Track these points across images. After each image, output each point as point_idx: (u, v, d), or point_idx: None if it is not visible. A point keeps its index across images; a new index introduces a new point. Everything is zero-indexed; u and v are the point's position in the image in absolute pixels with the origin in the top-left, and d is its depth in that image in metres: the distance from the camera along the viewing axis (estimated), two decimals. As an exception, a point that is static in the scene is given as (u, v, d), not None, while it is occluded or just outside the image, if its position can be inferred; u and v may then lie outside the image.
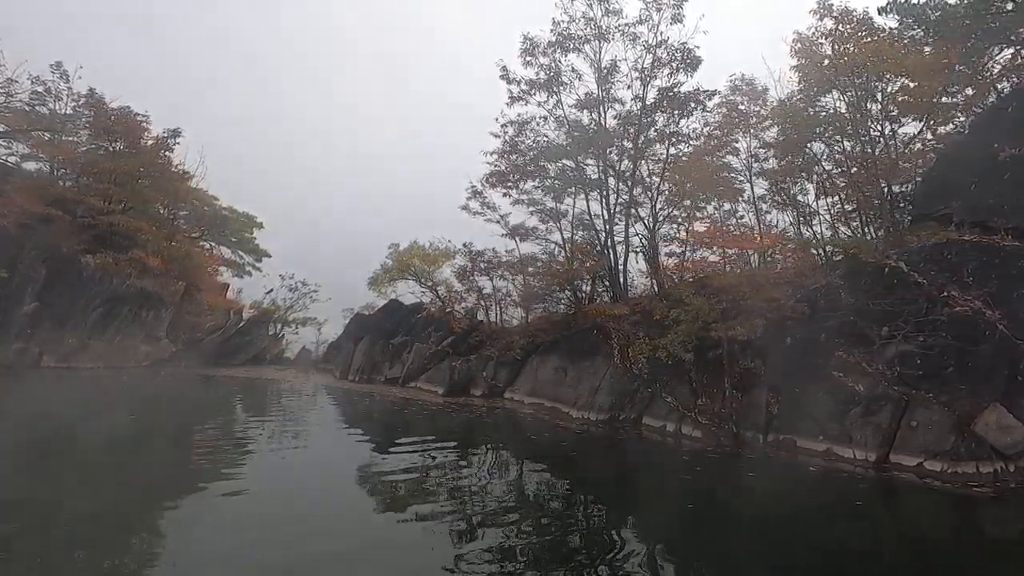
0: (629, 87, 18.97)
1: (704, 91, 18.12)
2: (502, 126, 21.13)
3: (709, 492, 9.98)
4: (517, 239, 23.22)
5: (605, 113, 19.39)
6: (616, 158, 19.31)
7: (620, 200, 19.74)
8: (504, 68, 19.88)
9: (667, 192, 19.00)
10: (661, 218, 19.10)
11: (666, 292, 17.95)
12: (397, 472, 9.78)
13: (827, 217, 18.68)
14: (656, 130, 18.75)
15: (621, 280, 19.60)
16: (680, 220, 19.70)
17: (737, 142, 20.50)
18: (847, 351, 13.66)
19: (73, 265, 25.43)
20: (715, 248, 17.92)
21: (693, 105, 17.98)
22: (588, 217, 20.79)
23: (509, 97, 20.05)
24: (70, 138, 31.82)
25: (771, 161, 20.08)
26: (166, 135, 29.13)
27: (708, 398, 14.84)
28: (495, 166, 21.43)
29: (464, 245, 23.78)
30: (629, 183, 18.98)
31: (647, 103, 18.34)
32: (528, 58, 19.75)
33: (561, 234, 22.31)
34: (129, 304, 26.08)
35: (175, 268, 28.67)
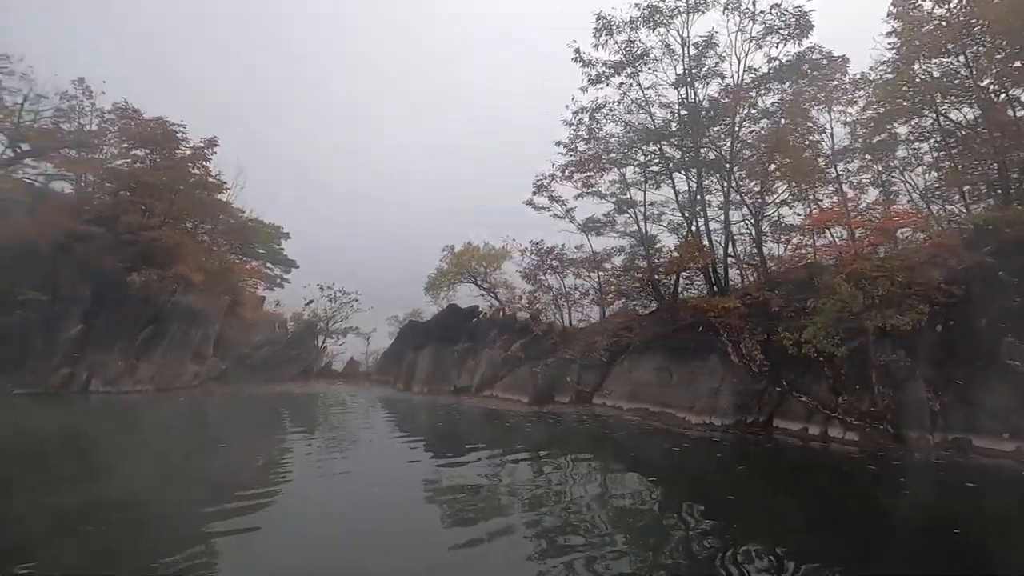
0: (724, 60, 17.59)
1: (830, 55, 16.54)
2: (574, 113, 19.79)
3: (911, 509, 8.42)
4: (589, 234, 21.87)
5: (698, 90, 18.01)
6: (721, 137, 17.91)
7: (717, 184, 18.34)
8: (577, 50, 18.52)
9: (772, 172, 17.56)
10: (767, 200, 17.67)
11: (774, 281, 16.56)
12: (523, 486, 8.76)
13: (942, 191, 17.21)
14: (762, 105, 17.35)
15: (723, 271, 18.17)
16: (789, 202, 18.27)
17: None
18: (1018, 336, 12.24)
19: (118, 284, 24.19)
20: (825, 230, 16.48)
21: (815, 73, 16.52)
22: (678, 204, 19.38)
23: (588, 80, 18.71)
24: (96, 155, 30.71)
25: (859, 138, 18.70)
26: (203, 144, 27.89)
27: (852, 396, 13.44)
28: (570, 155, 20.06)
29: (531, 243, 22.40)
30: (729, 164, 17.56)
31: (758, 74, 16.92)
32: (603, 38, 18.38)
33: (642, 225, 20.93)
34: (177, 322, 24.83)
35: (217, 283, 27.46)
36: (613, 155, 19.61)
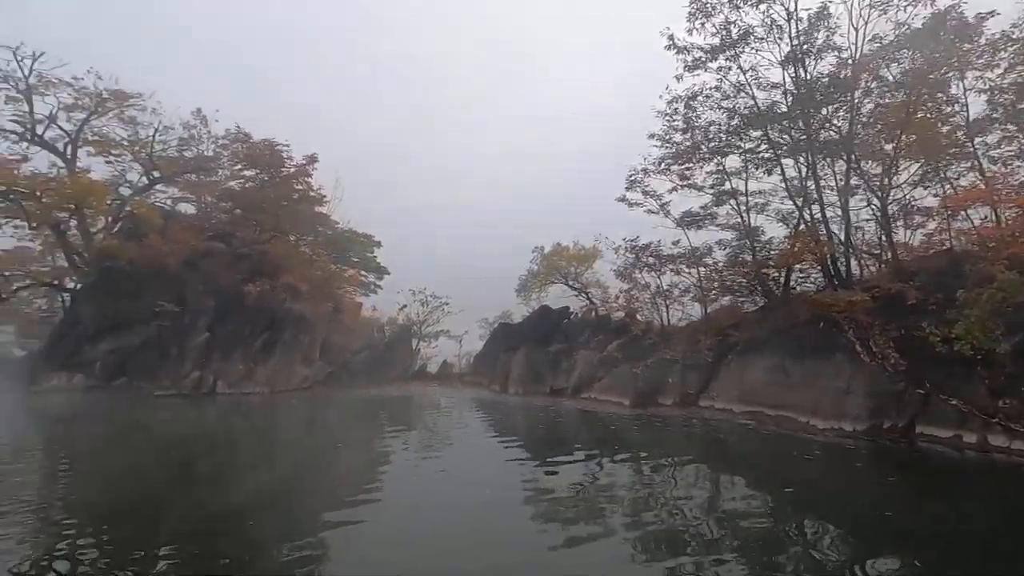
0: (837, 32, 16.10)
1: (962, 16, 14.75)
2: (668, 103, 18.97)
3: None
4: (687, 228, 20.90)
5: (809, 67, 16.61)
6: (838, 116, 16.46)
7: (832, 168, 16.86)
8: (671, 37, 17.72)
9: (899, 150, 15.83)
10: (893, 182, 15.98)
11: (906, 271, 14.88)
12: (624, 489, 8.01)
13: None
14: (887, 77, 15.70)
15: (843, 261, 16.65)
16: (919, 183, 16.43)
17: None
18: None
19: (236, 295, 26.29)
20: (964, 212, 14.56)
21: (953, 37, 14.76)
22: (788, 192, 18.04)
23: (684, 67, 17.82)
24: (213, 178, 33.65)
25: (999, 106, 16.40)
26: (304, 161, 29.76)
27: (1017, 399, 11.72)
28: (665, 147, 19.27)
29: (625, 240, 21.75)
30: (849, 144, 16.03)
31: (883, 42, 15.37)
32: (698, 21, 17.46)
33: (745, 217, 19.69)
34: (288, 329, 26.58)
35: (321, 291, 29.14)
36: (714, 144, 18.57)
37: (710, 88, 18.55)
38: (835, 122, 16.56)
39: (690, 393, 18.45)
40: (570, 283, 25.36)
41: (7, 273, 28.44)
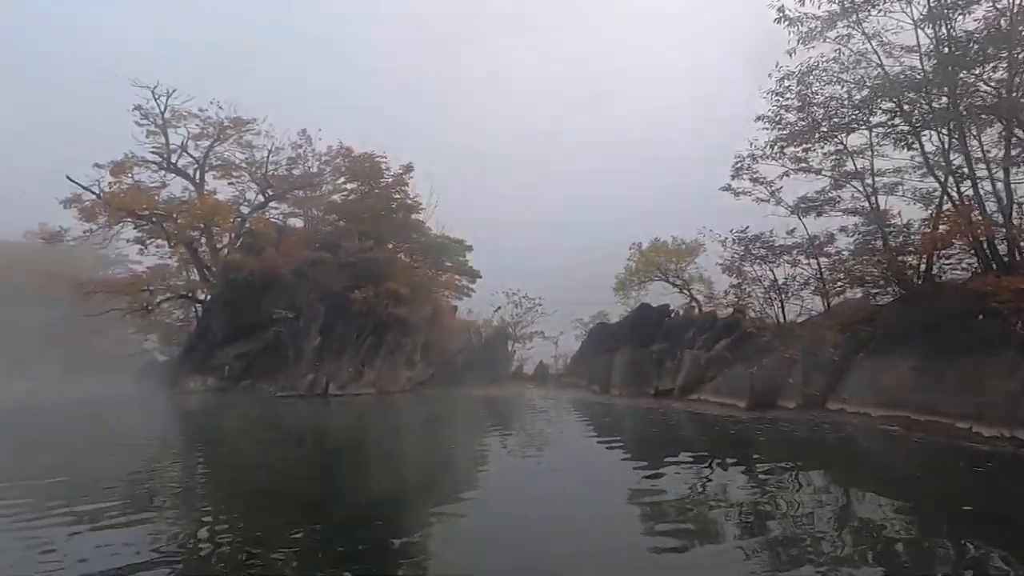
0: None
1: None
2: (779, 80, 17.52)
3: None
4: (803, 216, 19.24)
5: (954, 24, 14.61)
6: (994, 77, 14.39)
7: (978, 138, 14.73)
8: (781, 9, 16.33)
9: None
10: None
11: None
12: (739, 497, 7.29)
13: None
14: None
15: (1008, 244, 14.48)
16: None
17: None
18: None
19: (343, 301, 27.79)
20: None
21: None
22: (928, 168, 16.03)
23: (797, 40, 16.38)
24: (317, 193, 35.94)
25: None
26: (401, 171, 30.98)
27: None
28: (777, 129, 17.85)
29: (732, 232, 20.41)
30: (1010, 108, 13.89)
31: None
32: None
33: (872, 200, 17.77)
34: (391, 332, 27.69)
35: (420, 295, 30.12)
36: (836, 120, 16.88)
37: (829, 60, 16.93)
38: (989, 84, 14.41)
39: (815, 395, 16.88)
40: (670, 280, 24.29)
41: (151, 288, 32.00)
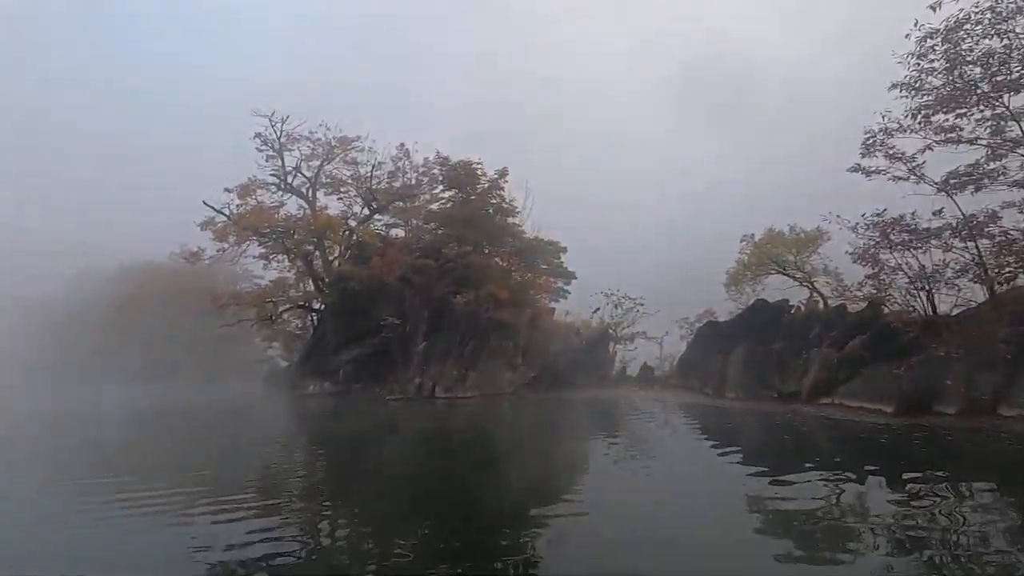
0: None
1: None
2: (920, 40, 15.37)
3: None
4: (952, 193, 16.73)
5: None
6: None
7: None
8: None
9: None
10: None
11: None
12: (882, 514, 6.35)
13: None
14: None
15: None
16: None
17: None
18: None
19: (446, 306, 28.43)
20: None
21: None
22: None
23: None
24: (416, 203, 37.24)
25: None
26: (496, 175, 31.22)
27: None
28: (922, 96, 15.69)
29: (865, 216, 18.21)
30: None
31: None
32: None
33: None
34: (493, 335, 27.87)
35: (519, 298, 30.09)
36: (1000, 78, 14.49)
37: (981, 11, 14.59)
38: None
39: (982, 399, 14.56)
40: (789, 273, 22.21)
41: (274, 299, 34.77)
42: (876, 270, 18.26)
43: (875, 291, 18.43)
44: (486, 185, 31.00)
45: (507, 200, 31.86)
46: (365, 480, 9.81)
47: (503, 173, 31.14)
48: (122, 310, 44.89)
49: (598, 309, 35.13)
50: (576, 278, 43.09)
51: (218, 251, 33.94)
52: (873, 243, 18.11)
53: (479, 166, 30.88)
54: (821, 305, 21.94)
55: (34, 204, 54.41)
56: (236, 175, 34.00)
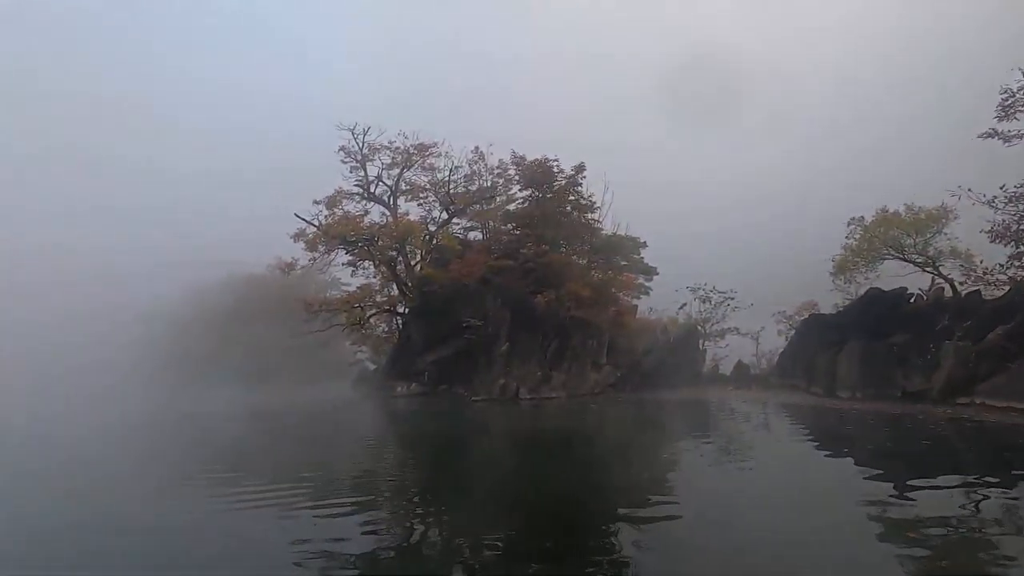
0: None
1: None
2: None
3: None
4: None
5: None
6: None
7: None
8: None
9: None
10: None
11: None
12: None
13: None
14: None
15: None
16: None
17: None
18: None
19: (527, 306, 28.18)
20: None
21: None
22: None
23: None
24: (492, 205, 37.31)
25: None
26: (573, 172, 30.63)
27: None
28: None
29: (1003, 188, 15.89)
30: None
31: None
32: None
33: None
34: (576, 335, 27.30)
35: (601, 296, 29.33)
36: None
37: None
38: None
39: None
40: (907, 257, 19.88)
41: (361, 304, 36.12)
42: (1020, 249, 15.87)
43: (1022, 273, 16.02)
44: (563, 182, 30.50)
45: (585, 196, 31.20)
46: (457, 480, 9.95)
47: (580, 169, 30.53)
48: (227, 319, 48.41)
49: (684, 304, 33.62)
50: (658, 274, 41.56)
51: (310, 260, 35.72)
52: (1017, 218, 15.75)
53: (555, 163, 30.45)
54: (948, 292, 19.46)
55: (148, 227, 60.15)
56: (324, 188, 35.74)
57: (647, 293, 41.42)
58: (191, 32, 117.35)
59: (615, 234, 39.15)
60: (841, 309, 22.03)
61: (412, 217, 36.46)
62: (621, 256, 40.82)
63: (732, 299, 31.49)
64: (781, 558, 5.40)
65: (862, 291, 21.11)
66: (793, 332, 25.56)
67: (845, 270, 21.05)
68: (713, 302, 31.92)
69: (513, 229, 33.70)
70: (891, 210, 20.67)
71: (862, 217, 20.95)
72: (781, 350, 26.04)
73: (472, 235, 38.39)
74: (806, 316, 24.93)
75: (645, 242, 41.68)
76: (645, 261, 41.99)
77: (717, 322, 32.05)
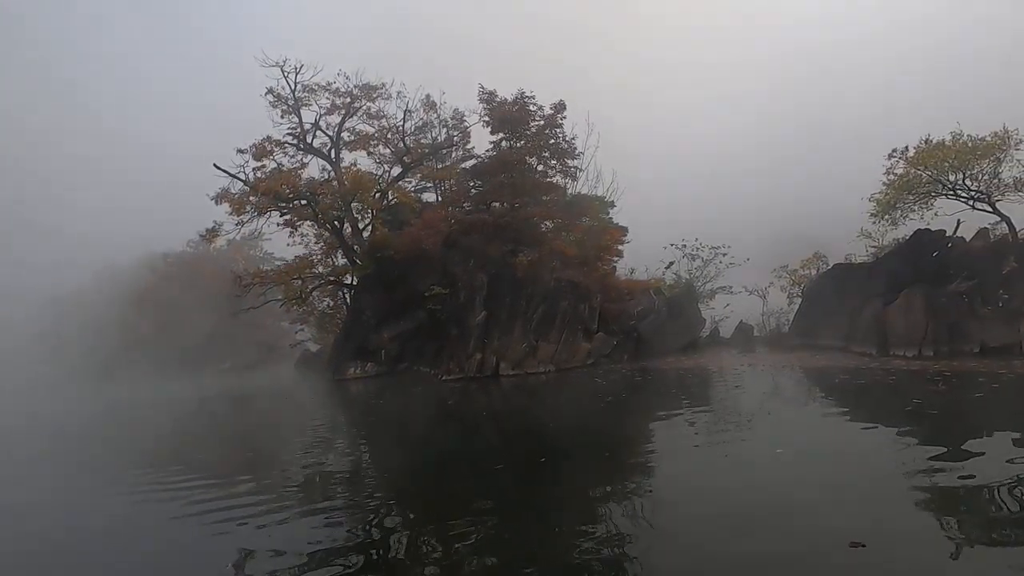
0: None
1: None
2: None
3: None
4: None
5: None
6: None
7: None
8: None
9: None
10: None
11: None
12: None
13: None
14: None
15: None
16: None
17: None
18: None
19: (506, 268, 24.00)
20: None
21: None
22: None
23: None
24: (446, 163, 32.47)
25: None
26: (552, 111, 26.27)
27: None
28: None
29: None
30: None
31: None
32: None
33: None
34: (564, 299, 23.45)
35: (590, 255, 25.61)
36: None
37: None
38: None
39: None
40: (959, 193, 17.11)
41: (301, 277, 30.62)
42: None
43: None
44: (540, 122, 26.10)
45: (566, 138, 26.93)
46: (429, 467, 9.03)
47: (560, 107, 26.16)
48: (143, 302, 42.20)
49: (671, 263, 30.34)
50: (627, 233, 38.26)
51: (237, 225, 29.70)
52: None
53: (532, 99, 25.92)
54: (1010, 232, 16.84)
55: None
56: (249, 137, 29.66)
57: (620, 255, 38.19)
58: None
59: (579, 193, 35.33)
60: (882, 255, 19.09)
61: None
62: (590, 217, 37.15)
63: (724, 255, 28.45)
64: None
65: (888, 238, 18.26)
66: (813, 285, 22.68)
67: (887, 210, 17.96)
68: (703, 259, 28.78)
69: (479, 184, 29.05)
70: (936, 139, 17.76)
71: (906, 147, 17.87)
72: (798, 307, 23.15)
73: (425, 197, 33.58)
74: (830, 267, 22.02)
75: (613, 202, 38.10)
76: (615, 221, 38.54)
77: (708, 280, 28.96)
